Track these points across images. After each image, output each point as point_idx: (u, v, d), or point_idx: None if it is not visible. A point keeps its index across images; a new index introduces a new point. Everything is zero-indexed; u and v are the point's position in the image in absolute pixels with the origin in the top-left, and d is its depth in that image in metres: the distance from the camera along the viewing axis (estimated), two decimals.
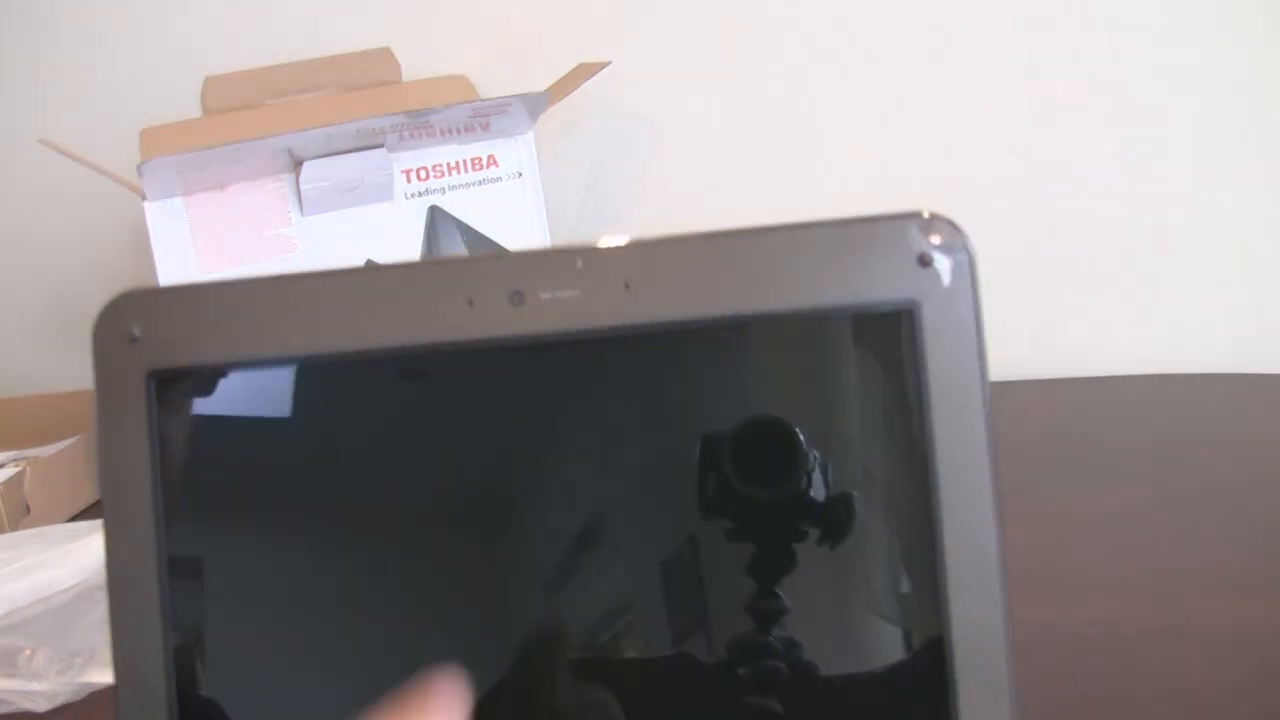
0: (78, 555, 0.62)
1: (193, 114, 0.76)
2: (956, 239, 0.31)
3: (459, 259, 0.34)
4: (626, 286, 0.32)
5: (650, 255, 0.32)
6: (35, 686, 0.51)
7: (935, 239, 0.31)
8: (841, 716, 0.33)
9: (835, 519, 0.32)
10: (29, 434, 0.84)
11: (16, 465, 0.76)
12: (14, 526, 0.71)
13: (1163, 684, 0.42)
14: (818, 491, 0.32)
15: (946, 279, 0.31)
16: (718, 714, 0.33)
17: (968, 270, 0.31)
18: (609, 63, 0.75)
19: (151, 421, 0.34)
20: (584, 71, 0.76)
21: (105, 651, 0.52)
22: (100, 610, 0.58)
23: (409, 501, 0.34)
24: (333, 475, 0.34)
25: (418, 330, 0.33)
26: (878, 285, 0.31)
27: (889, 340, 0.31)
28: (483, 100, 0.74)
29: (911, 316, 0.31)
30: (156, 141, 0.73)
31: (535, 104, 0.75)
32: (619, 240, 0.32)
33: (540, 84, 0.75)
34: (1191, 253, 0.78)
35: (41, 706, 0.51)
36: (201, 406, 0.34)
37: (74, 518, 0.75)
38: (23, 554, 0.63)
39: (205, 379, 0.34)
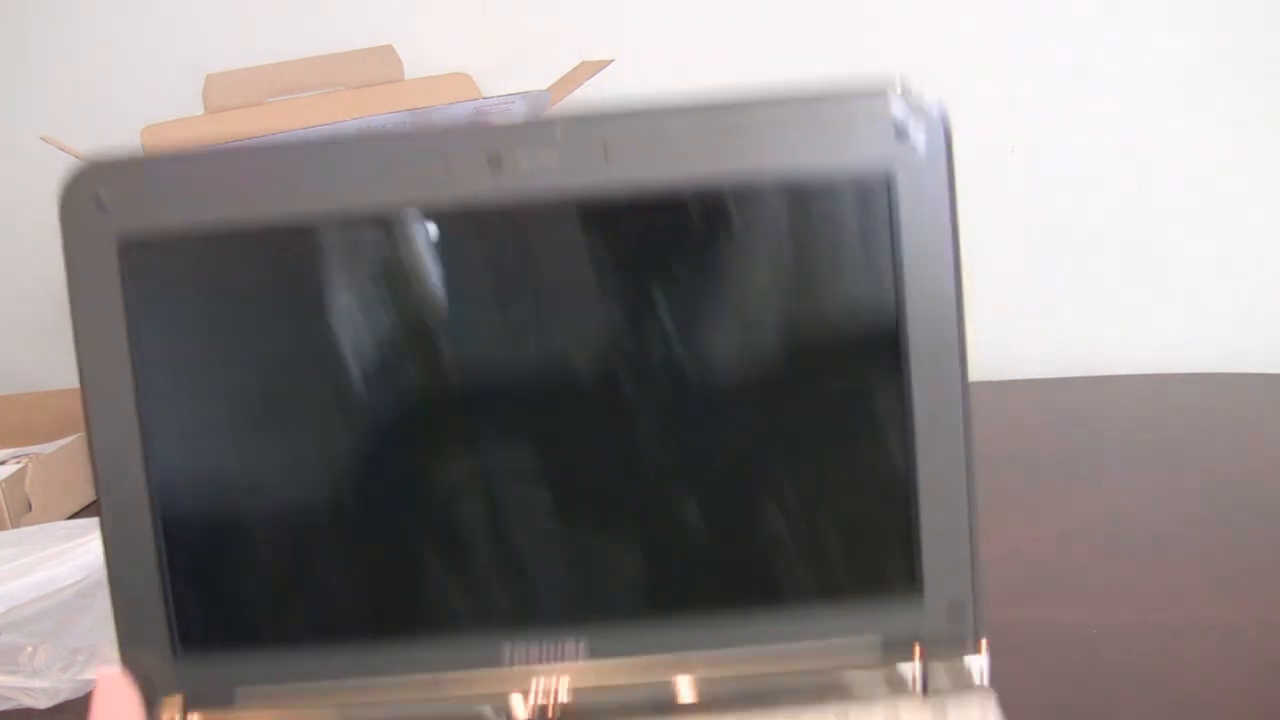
0: (79, 552, 0.62)
1: (195, 112, 0.77)
2: (932, 112, 0.31)
3: (437, 126, 0.34)
4: (605, 153, 0.32)
5: (630, 123, 0.32)
6: (37, 683, 0.51)
7: (911, 112, 0.31)
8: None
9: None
10: (30, 431, 0.84)
11: (18, 462, 0.76)
12: (15, 523, 0.71)
13: (1163, 683, 0.42)
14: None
15: (921, 151, 0.31)
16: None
17: (943, 142, 0.31)
18: (611, 61, 0.76)
19: (124, 289, 0.33)
20: (586, 70, 0.76)
21: (107, 648, 0.52)
22: (102, 607, 0.58)
23: (377, 360, 0.34)
24: (308, 334, 0.34)
25: (395, 195, 0.33)
26: (855, 156, 0.31)
27: (865, 209, 0.32)
28: (485, 99, 0.74)
29: (887, 187, 0.31)
30: (158, 139, 0.73)
31: (537, 102, 0.75)
32: (599, 108, 0.32)
33: (543, 82, 0.75)
34: (1191, 253, 0.78)
35: (43, 703, 0.51)
36: (173, 272, 0.34)
37: (75, 515, 0.75)
38: (24, 551, 0.63)
39: (176, 245, 0.33)
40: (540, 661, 0.34)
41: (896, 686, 0.34)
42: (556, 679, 0.34)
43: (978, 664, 0.34)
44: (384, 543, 0.35)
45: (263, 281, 0.34)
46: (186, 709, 0.35)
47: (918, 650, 0.34)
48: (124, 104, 0.83)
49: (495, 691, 0.34)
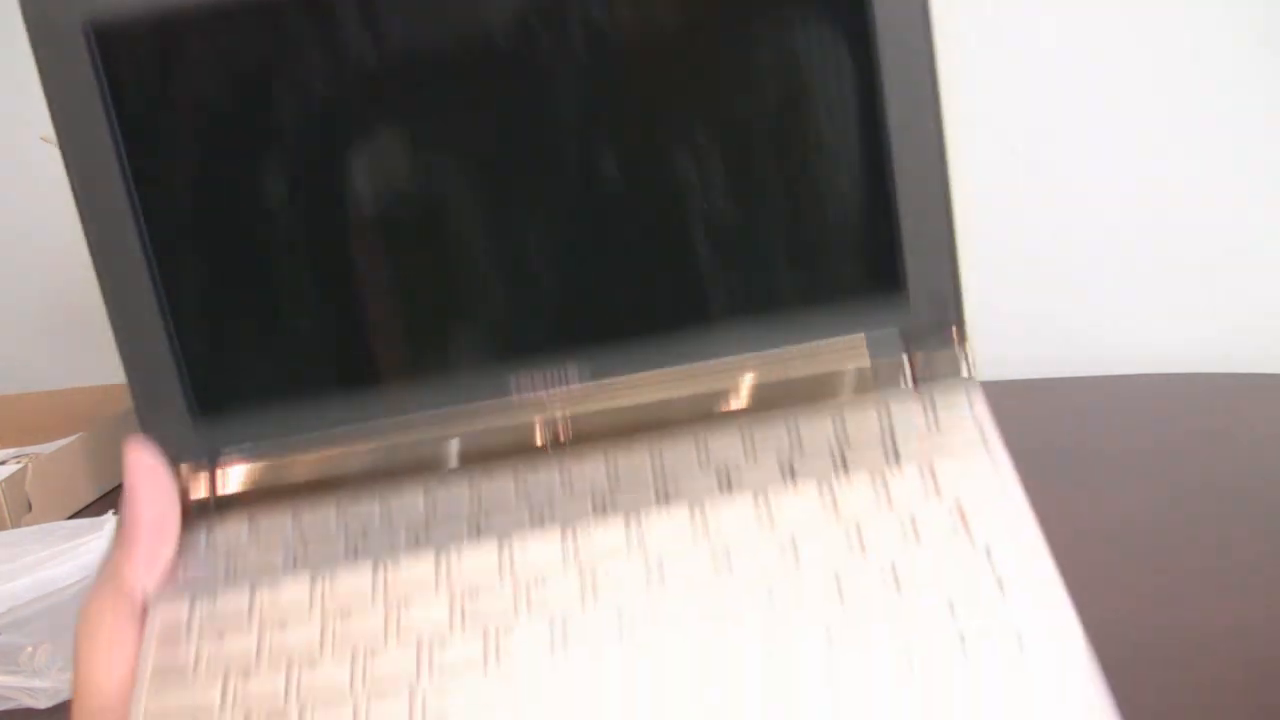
0: (79, 552, 0.62)
1: None
2: None
3: None
4: None
5: None
6: (37, 683, 0.51)
7: None
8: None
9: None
10: (30, 431, 0.84)
11: (18, 462, 0.76)
12: (15, 523, 0.71)
13: (1163, 683, 0.42)
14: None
15: None
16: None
17: None
18: None
19: (96, 76, 0.34)
20: None
21: None
22: None
23: (350, 79, 0.35)
24: (291, 108, 0.35)
25: None
26: None
27: None
28: None
29: None
30: None
31: None
32: None
33: None
34: (1191, 253, 0.78)
35: (43, 703, 0.51)
36: (147, 55, 0.34)
37: (75, 515, 0.75)
38: (24, 551, 0.63)
39: (148, 25, 0.34)
40: (545, 388, 0.36)
41: (886, 383, 0.35)
42: (562, 403, 0.36)
43: (962, 355, 0.35)
44: (385, 283, 0.37)
45: (250, 63, 0.35)
46: (212, 467, 0.36)
47: (903, 344, 0.35)
48: None
49: (507, 423, 0.36)
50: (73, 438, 0.78)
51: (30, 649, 0.54)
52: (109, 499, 0.78)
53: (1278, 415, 0.69)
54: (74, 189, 0.35)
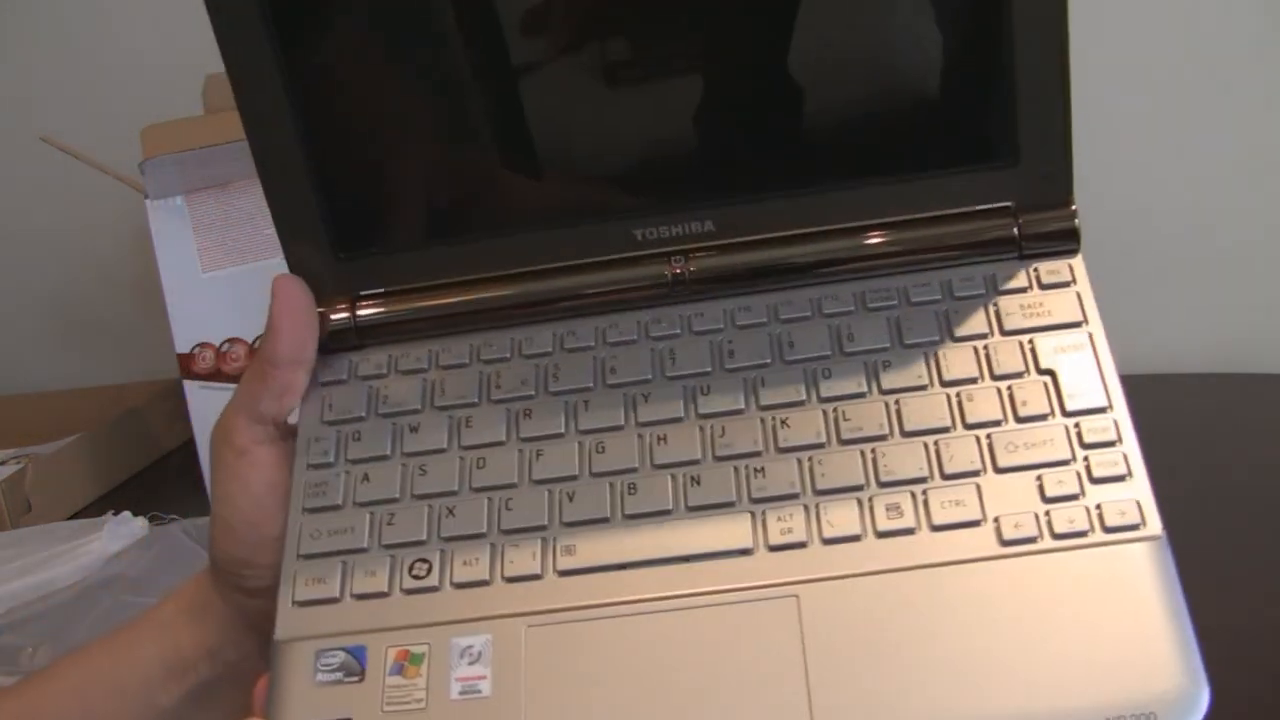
0: (79, 552, 0.62)
1: (195, 112, 0.77)
2: None
3: None
4: None
5: None
6: None
7: None
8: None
9: None
10: (30, 432, 0.84)
11: (18, 463, 0.76)
12: (15, 524, 0.71)
13: None
14: None
15: None
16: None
17: None
18: None
19: None
20: None
21: None
22: (102, 607, 0.58)
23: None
24: None
25: None
26: None
27: None
28: None
29: None
30: (158, 139, 0.73)
31: None
32: None
33: None
34: (1191, 253, 0.78)
35: None
36: None
37: (75, 515, 0.75)
38: (24, 551, 0.63)
39: None
40: (670, 243, 0.37)
41: (996, 253, 0.36)
42: (686, 257, 0.37)
43: (1070, 230, 0.36)
44: (522, 133, 0.38)
45: None
46: (354, 302, 0.38)
47: (1014, 216, 0.36)
48: (124, 104, 0.83)
49: (633, 273, 0.38)
50: (73, 438, 0.78)
51: (30, 649, 0.54)
52: (109, 499, 0.78)
53: (1278, 415, 0.69)
54: (220, 41, 0.36)
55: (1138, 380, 0.80)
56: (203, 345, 0.73)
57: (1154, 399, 0.73)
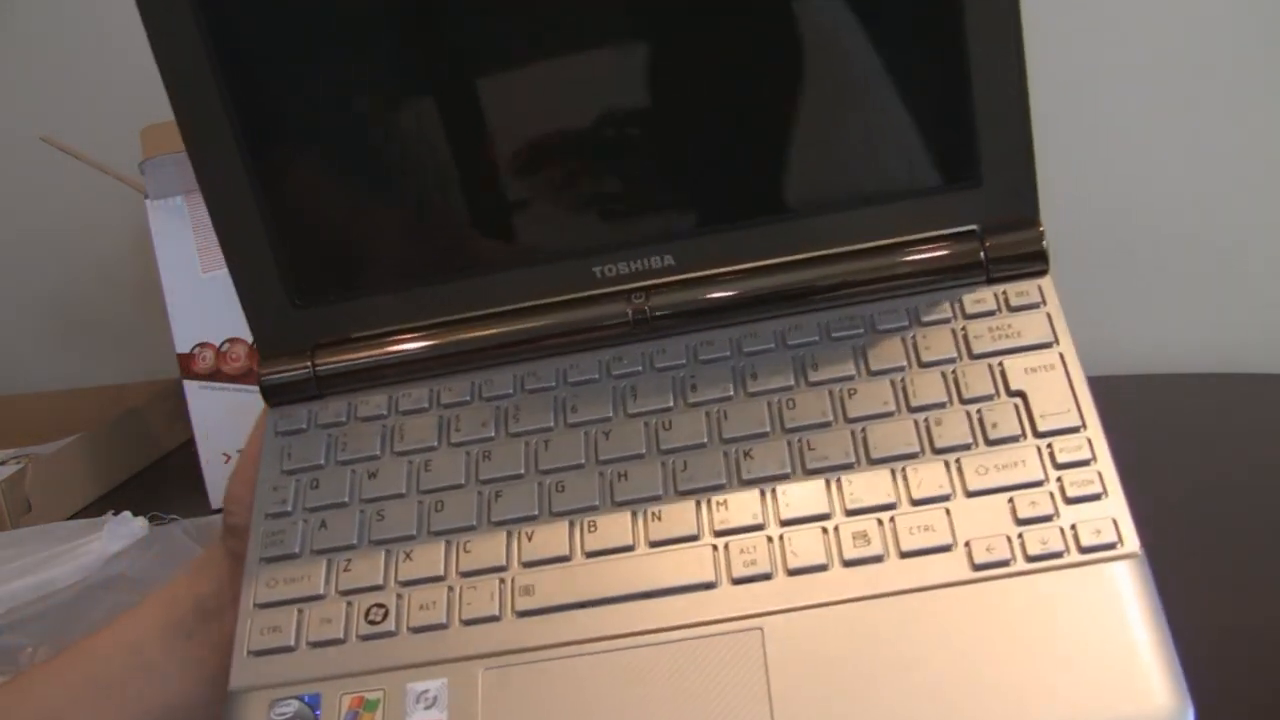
0: (79, 552, 0.62)
1: None
2: None
3: None
4: None
5: None
6: None
7: None
8: None
9: None
10: (30, 432, 0.84)
11: (18, 463, 0.76)
12: (15, 524, 0.71)
13: None
14: None
15: None
16: None
17: None
18: None
19: None
20: None
21: None
22: (102, 608, 0.58)
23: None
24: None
25: None
26: None
27: None
28: None
29: None
30: (158, 139, 0.73)
31: None
32: None
33: None
34: (1191, 253, 0.78)
35: None
36: None
37: (75, 515, 0.75)
38: (24, 552, 0.63)
39: None
40: (629, 280, 0.37)
41: (961, 277, 0.36)
42: (646, 293, 0.37)
43: (1037, 251, 0.37)
44: (475, 175, 0.38)
45: None
46: (312, 352, 0.38)
47: (980, 240, 0.36)
48: (124, 104, 0.83)
49: (593, 312, 0.37)
50: (73, 438, 0.78)
51: (30, 649, 0.54)
52: (109, 499, 0.78)
53: (1278, 415, 0.69)
54: (169, 92, 0.37)
55: (1137, 380, 0.80)
56: (203, 345, 0.73)
57: (1154, 399, 0.73)
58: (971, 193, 0.36)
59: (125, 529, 0.64)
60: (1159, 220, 0.78)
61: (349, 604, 0.34)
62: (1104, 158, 0.79)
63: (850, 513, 0.32)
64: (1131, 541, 0.31)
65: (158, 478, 0.82)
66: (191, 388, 0.74)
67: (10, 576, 0.60)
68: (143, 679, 0.38)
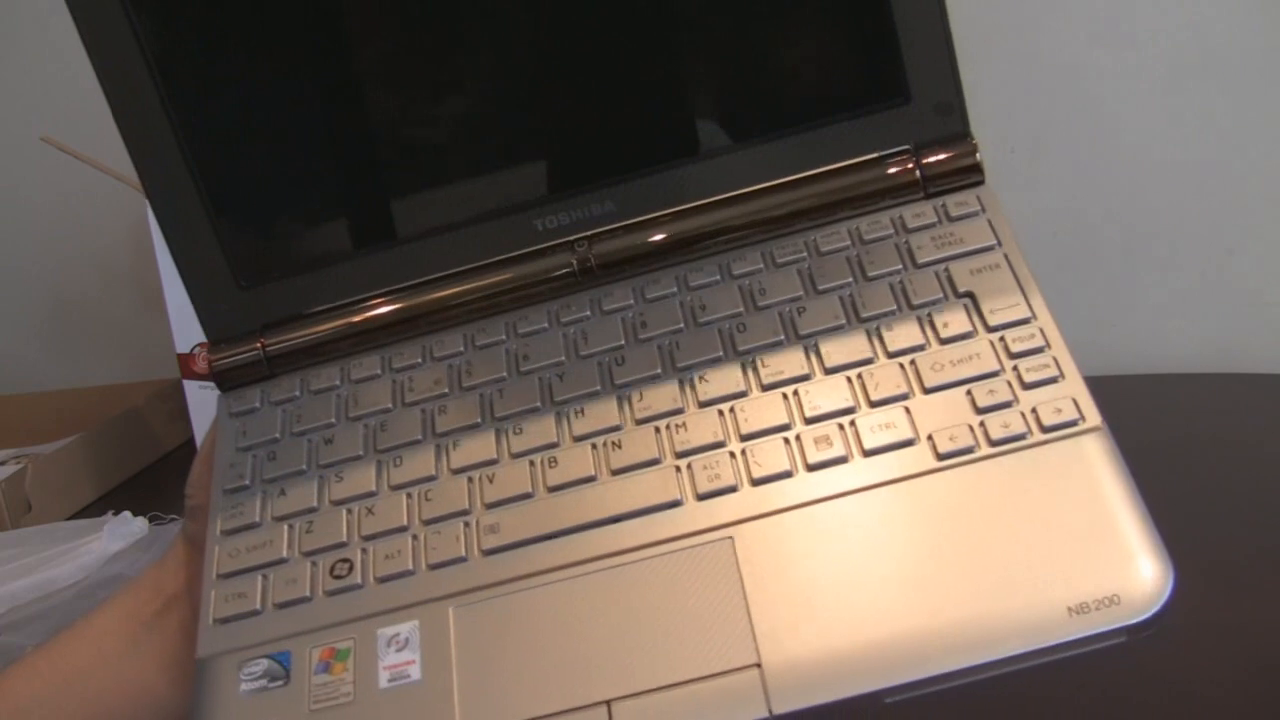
0: (79, 553, 0.62)
1: None
2: None
3: None
4: None
5: None
6: None
7: None
8: None
9: None
10: (30, 432, 0.84)
11: (18, 463, 0.76)
12: (15, 524, 0.71)
13: (1163, 683, 0.42)
14: None
15: None
16: None
17: None
18: None
19: None
20: None
21: None
22: None
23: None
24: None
25: None
26: None
27: None
28: None
29: None
30: None
31: None
32: None
33: None
34: (1191, 253, 0.78)
35: None
36: None
37: (75, 515, 0.75)
38: (24, 552, 0.63)
39: None
40: (570, 231, 0.37)
41: (900, 195, 0.37)
42: (588, 242, 0.37)
43: (971, 160, 0.37)
44: (401, 144, 0.38)
45: None
46: (261, 333, 0.38)
47: (914, 156, 0.36)
48: None
49: (538, 266, 0.38)
50: (73, 438, 0.78)
51: (30, 649, 0.53)
52: (109, 499, 0.78)
53: (1278, 415, 0.69)
54: (105, 89, 0.37)
55: (1137, 380, 0.80)
56: (203, 345, 0.73)
57: (1154, 399, 0.73)
58: (901, 111, 0.36)
59: (125, 529, 0.64)
60: (1158, 220, 0.78)
61: (313, 564, 0.34)
62: (1104, 158, 0.79)
63: (810, 420, 0.32)
64: (1094, 416, 0.31)
65: (158, 478, 0.82)
66: (191, 388, 0.74)
67: (10, 576, 0.60)
68: (106, 673, 0.38)
